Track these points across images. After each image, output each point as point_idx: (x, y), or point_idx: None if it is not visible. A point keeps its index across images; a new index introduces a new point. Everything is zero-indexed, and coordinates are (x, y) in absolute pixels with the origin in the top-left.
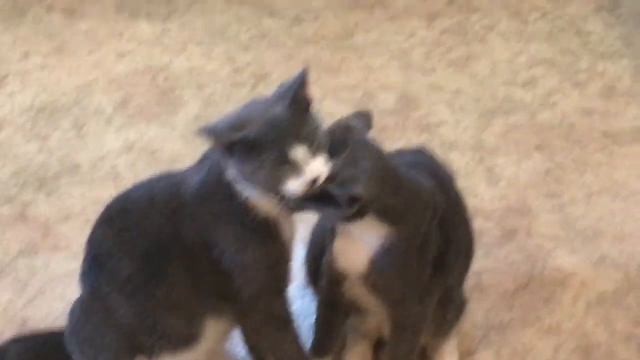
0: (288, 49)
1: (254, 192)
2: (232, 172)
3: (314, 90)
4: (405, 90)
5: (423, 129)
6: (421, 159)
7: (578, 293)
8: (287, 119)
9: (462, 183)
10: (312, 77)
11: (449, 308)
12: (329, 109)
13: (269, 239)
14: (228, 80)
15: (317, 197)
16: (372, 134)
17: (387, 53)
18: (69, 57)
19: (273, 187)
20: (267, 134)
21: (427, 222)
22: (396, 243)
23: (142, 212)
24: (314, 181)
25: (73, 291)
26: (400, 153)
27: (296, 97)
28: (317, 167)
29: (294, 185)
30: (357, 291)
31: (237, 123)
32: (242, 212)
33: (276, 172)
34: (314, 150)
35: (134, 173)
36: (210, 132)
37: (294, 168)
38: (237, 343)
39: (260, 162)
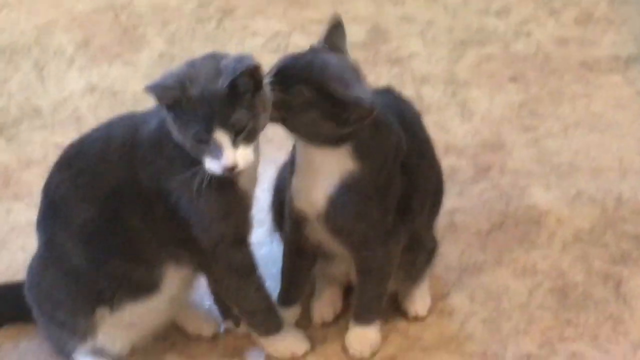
0: None
1: None
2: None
3: (281, 24)
4: (376, 23)
5: (394, 62)
6: (388, 98)
7: (554, 231)
8: (220, 101)
9: (434, 118)
10: (278, 11)
11: (419, 252)
12: (298, 42)
13: (224, 188)
14: (193, 15)
15: (322, 101)
16: None
17: None
18: None
19: (197, 154)
20: (196, 108)
21: (391, 162)
22: (357, 181)
23: (99, 155)
24: (232, 169)
25: (35, 242)
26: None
27: (236, 82)
28: (236, 157)
29: (211, 165)
30: (319, 234)
31: (176, 84)
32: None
33: (197, 145)
34: (238, 141)
35: (96, 116)
36: (151, 90)
37: (214, 149)
38: (203, 293)
39: (186, 130)
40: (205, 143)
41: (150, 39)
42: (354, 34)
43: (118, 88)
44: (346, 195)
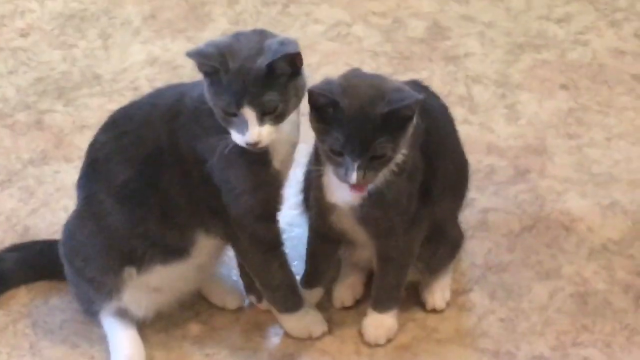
0: None
1: None
2: None
3: (344, 14)
4: (437, 20)
5: (449, 60)
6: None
7: (583, 238)
8: (255, 79)
9: (481, 118)
10: (343, 1)
11: (440, 244)
12: (358, 33)
13: (257, 162)
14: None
15: (389, 137)
16: (397, 61)
17: None
18: None
19: (224, 124)
20: (231, 80)
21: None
22: (403, 166)
23: (144, 119)
24: (254, 145)
25: None
26: None
27: (274, 65)
28: (261, 134)
29: (236, 137)
30: (345, 223)
31: (216, 55)
32: None
33: (226, 116)
34: (265, 120)
35: (154, 87)
36: (192, 56)
37: (240, 123)
38: (231, 266)
39: (218, 100)
40: (233, 116)
41: (215, 17)
42: (413, 29)
43: (178, 63)
44: (383, 189)
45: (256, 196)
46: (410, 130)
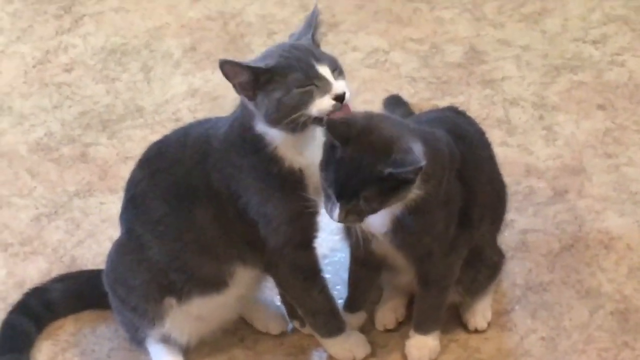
0: None
1: (281, 137)
2: (260, 116)
3: (382, 41)
4: (474, 44)
5: (486, 83)
6: (446, 115)
7: (622, 257)
8: (309, 45)
9: (519, 140)
10: (380, 28)
11: (480, 267)
12: (396, 59)
13: (293, 192)
14: (299, 28)
15: (379, 190)
16: (435, 86)
17: (460, 6)
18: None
19: (302, 106)
20: (291, 58)
21: (447, 175)
22: (422, 203)
23: (175, 156)
24: (341, 98)
25: None
26: (429, 111)
27: (316, 31)
28: (343, 85)
29: (323, 103)
30: (384, 249)
31: (256, 60)
32: (268, 164)
33: (304, 91)
34: (337, 75)
35: (195, 118)
36: (234, 63)
37: (322, 85)
38: (273, 291)
39: (287, 84)
40: (311, 85)
41: (255, 48)
42: (450, 54)
43: (218, 93)
44: (411, 216)
45: (294, 226)
46: (408, 192)
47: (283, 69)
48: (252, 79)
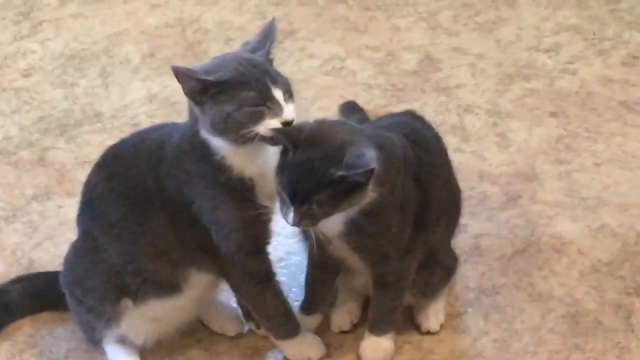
0: (318, 6)
1: (226, 147)
2: (204, 123)
3: (338, 49)
4: (429, 52)
5: (441, 91)
6: (403, 119)
7: (573, 261)
8: (265, 63)
9: (473, 146)
10: (337, 36)
11: (435, 269)
12: (352, 67)
13: (244, 199)
14: (256, 34)
15: (332, 194)
16: (391, 93)
17: (415, 14)
18: (104, 6)
19: (250, 124)
20: (247, 75)
21: (402, 177)
22: (376, 205)
23: (131, 161)
24: (289, 124)
25: None
26: (387, 116)
27: (271, 45)
28: (292, 110)
29: (271, 124)
30: (340, 251)
31: (210, 69)
32: (217, 171)
33: (256, 110)
34: (287, 98)
35: (152, 123)
36: (187, 71)
37: (273, 107)
38: (229, 293)
39: (240, 101)
40: (263, 106)
41: (213, 54)
42: (406, 61)
43: (176, 99)
44: (366, 218)
45: (245, 233)
46: (362, 195)
47: (237, 84)
48: (201, 88)
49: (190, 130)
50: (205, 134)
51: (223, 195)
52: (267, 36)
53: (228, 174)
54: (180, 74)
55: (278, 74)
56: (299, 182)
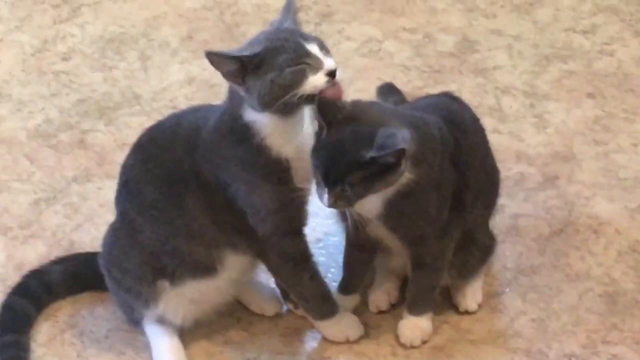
0: None
1: (270, 124)
2: (251, 101)
3: (375, 31)
4: (466, 34)
5: (478, 72)
6: (441, 101)
7: (611, 241)
8: (293, 28)
9: (510, 127)
10: (374, 18)
11: (472, 250)
12: (389, 49)
13: (280, 182)
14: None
15: (365, 175)
16: (428, 75)
17: None
18: None
19: (295, 85)
20: (279, 40)
21: (440, 159)
22: (414, 186)
23: (167, 144)
24: (333, 74)
25: None
26: (424, 97)
27: (295, 15)
28: (332, 61)
29: (316, 80)
30: (378, 232)
31: (242, 48)
32: (255, 154)
33: (297, 69)
34: (325, 53)
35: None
36: (221, 54)
37: (313, 62)
38: (267, 275)
39: (279, 65)
40: (302, 63)
41: (251, 36)
42: (443, 43)
43: (215, 81)
44: (404, 199)
45: (282, 215)
46: (396, 176)
47: (272, 51)
48: (239, 67)
49: (231, 115)
50: (250, 115)
51: (260, 178)
52: (288, 9)
53: (267, 156)
54: (215, 59)
55: (308, 33)
56: (331, 163)
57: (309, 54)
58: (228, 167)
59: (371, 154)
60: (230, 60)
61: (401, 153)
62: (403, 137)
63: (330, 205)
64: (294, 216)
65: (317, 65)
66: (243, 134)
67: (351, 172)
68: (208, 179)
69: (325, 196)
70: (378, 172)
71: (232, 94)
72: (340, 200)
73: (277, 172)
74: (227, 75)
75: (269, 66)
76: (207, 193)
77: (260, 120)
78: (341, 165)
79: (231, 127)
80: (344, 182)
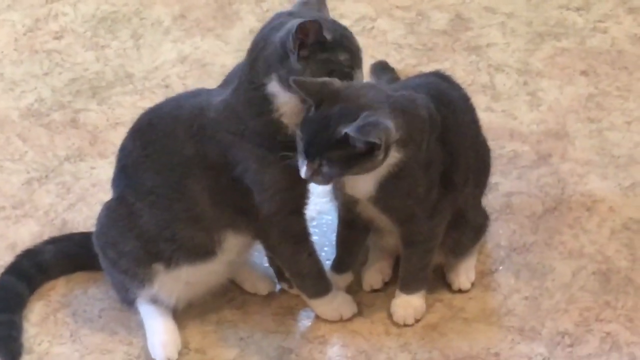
0: None
1: (291, 102)
2: (282, 73)
3: (368, 9)
4: (459, 11)
5: (472, 50)
6: (430, 80)
7: (604, 219)
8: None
9: (504, 105)
10: None
11: (464, 229)
12: (383, 27)
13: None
14: None
15: (343, 155)
16: (421, 53)
17: None
18: None
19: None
20: (344, 37)
21: (428, 137)
22: (403, 166)
23: (167, 129)
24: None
25: None
26: (414, 77)
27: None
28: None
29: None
30: (369, 211)
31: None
32: (272, 129)
33: (348, 72)
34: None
35: (184, 85)
36: (319, 27)
37: (356, 76)
38: (261, 253)
39: (340, 62)
40: (352, 70)
41: (243, 15)
42: (436, 21)
43: (207, 60)
44: (394, 180)
45: (290, 194)
46: (373, 163)
47: (342, 45)
48: (321, 42)
49: (250, 84)
50: (274, 88)
51: (272, 155)
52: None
53: (284, 132)
54: (314, 25)
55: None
56: (314, 136)
57: (360, 67)
58: (240, 144)
59: (346, 130)
60: (324, 33)
61: (374, 146)
62: (385, 129)
63: (307, 177)
64: (299, 195)
65: (356, 76)
66: (261, 106)
67: (330, 148)
68: (214, 160)
69: (304, 168)
70: (355, 155)
71: (267, 61)
72: (317, 175)
73: (290, 149)
74: (301, 44)
75: (331, 55)
76: (212, 175)
77: (282, 96)
78: (321, 140)
79: (249, 98)
80: (322, 157)
